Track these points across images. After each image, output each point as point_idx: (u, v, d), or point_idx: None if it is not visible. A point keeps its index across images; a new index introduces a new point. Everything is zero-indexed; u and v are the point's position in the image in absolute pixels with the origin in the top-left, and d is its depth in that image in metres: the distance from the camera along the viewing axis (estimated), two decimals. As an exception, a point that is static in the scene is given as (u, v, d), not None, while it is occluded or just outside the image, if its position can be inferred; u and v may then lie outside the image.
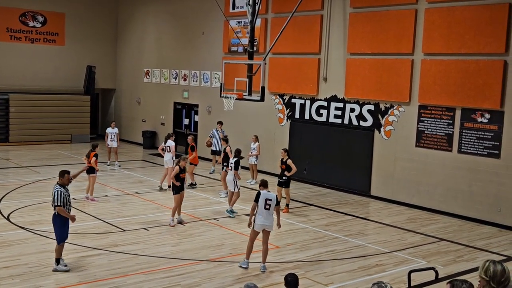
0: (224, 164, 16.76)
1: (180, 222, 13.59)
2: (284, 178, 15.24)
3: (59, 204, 9.85)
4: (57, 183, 10.10)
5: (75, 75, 27.85)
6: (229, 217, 14.46)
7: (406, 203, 16.68)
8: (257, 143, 18.97)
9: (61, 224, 10.00)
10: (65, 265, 10.07)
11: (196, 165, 17.95)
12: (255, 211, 10.47)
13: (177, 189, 13.54)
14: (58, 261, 10.03)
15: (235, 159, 14.95)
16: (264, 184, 10.84)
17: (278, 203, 10.81)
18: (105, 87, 29.67)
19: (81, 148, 24.78)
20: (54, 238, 10.20)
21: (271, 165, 18.78)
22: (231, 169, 14.86)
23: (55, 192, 9.91)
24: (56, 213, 9.92)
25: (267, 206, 10.44)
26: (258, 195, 10.53)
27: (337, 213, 15.55)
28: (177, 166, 13.55)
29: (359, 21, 17.71)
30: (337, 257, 11.66)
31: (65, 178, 10.12)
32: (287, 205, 15.35)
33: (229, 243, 12.31)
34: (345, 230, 13.79)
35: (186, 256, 11.25)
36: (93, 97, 28.59)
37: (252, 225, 10.60)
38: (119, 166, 21.12)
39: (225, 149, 17.14)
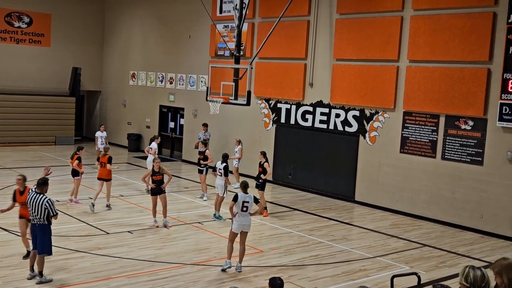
0: (205, 166, 16.86)
1: (165, 225, 13.55)
2: (260, 180, 15.37)
3: (56, 213, 9.61)
4: (42, 193, 9.54)
5: (61, 77, 27.69)
6: (215, 220, 14.46)
7: (390, 208, 16.79)
8: (239, 146, 18.98)
9: (50, 234, 9.71)
10: (51, 280, 9.72)
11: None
12: (234, 211, 10.70)
13: (152, 191, 13.64)
14: (41, 273, 9.67)
15: (224, 164, 14.93)
16: (244, 186, 11.03)
17: (257, 201, 11.02)
18: (91, 89, 29.54)
19: (65, 150, 24.62)
20: (36, 249, 9.65)
21: (257, 169, 18.75)
22: (220, 175, 14.86)
23: (47, 202, 9.44)
24: (47, 223, 9.57)
25: (244, 208, 10.70)
26: (236, 196, 10.74)
27: (321, 218, 15.61)
28: (151, 169, 13.64)
29: (345, 27, 17.83)
30: (321, 261, 11.71)
31: (47, 187, 9.74)
32: (265, 208, 15.40)
33: (213, 246, 12.31)
34: (329, 235, 13.85)
35: (170, 260, 11.23)
36: (78, 99, 28.44)
37: (231, 226, 10.81)
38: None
39: (204, 152, 17.14)
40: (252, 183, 15.99)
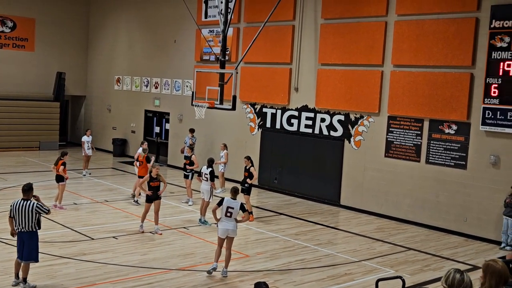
0: (191, 171, 16.87)
1: (156, 232, 13.42)
2: (246, 185, 15.40)
3: (49, 211, 9.53)
4: (29, 199, 9.42)
5: (45, 82, 27.51)
6: (200, 225, 14.44)
7: (375, 212, 16.87)
8: (225, 151, 18.96)
9: (37, 241, 9.59)
10: (34, 286, 9.64)
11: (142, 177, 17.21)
12: (219, 215, 10.75)
13: (148, 198, 13.43)
14: (25, 280, 9.56)
15: (210, 169, 14.90)
16: (233, 192, 10.97)
17: (244, 209, 10.92)
18: (75, 94, 29.36)
19: (49, 155, 24.45)
20: (23, 257, 9.46)
21: (242, 174, 18.76)
22: (206, 180, 14.81)
23: (37, 206, 9.34)
24: (36, 229, 9.46)
25: (228, 214, 10.69)
26: (222, 201, 10.76)
27: (307, 222, 15.64)
28: (148, 174, 13.48)
29: (330, 32, 17.92)
30: (306, 266, 11.73)
31: (32, 193, 9.59)
32: (250, 212, 15.39)
33: (199, 251, 12.28)
34: (314, 239, 13.88)
35: (155, 265, 11.18)
36: (63, 104, 28.25)
37: (217, 231, 10.85)
38: (89, 174, 20.91)
39: (190, 156, 17.13)
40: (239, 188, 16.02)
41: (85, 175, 20.68)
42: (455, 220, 15.14)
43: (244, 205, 11.26)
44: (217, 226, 10.82)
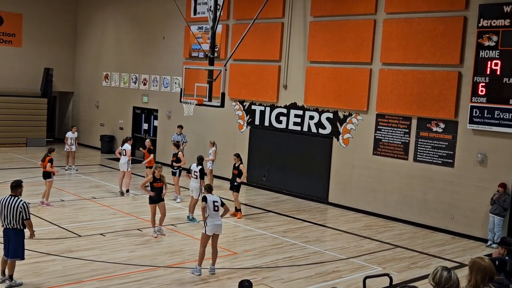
0: (178, 168, 16.87)
1: (160, 232, 13.21)
2: (235, 183, 15.41)
3: (29, 217, 9.44)
4: (17, 196, 9.39)
5: (32, 77, 27.29)
6: (188, 222, 14.41)
7: (363, 210, 16.92)
8: (213, 148, 18.88)
9: (23, 238, 9.52)
10: (21, 283, 9.57)
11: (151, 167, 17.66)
12: (206, 214, 10.73)
13: (151, 199, 13.13)
14: (11, 277, 9.50)
15: (200, 167, 14.82)
16: (208, 189, 11.13)
17: (222, 203, 11.07)
18: (63, 90, 29.16)
19: (36, 151, 24.26)
20: (9, 255, 9.40)
21: (231, 171, 18.74)
22: (196, 177, 14.73)
23: (23, 204, 9.29)
24: (21, 227, 9.40)
25: (216, 208, 10.80)
26: (205, 198, 10.84)
27: (295, 220, 15.65)
28: (151, 175, 13.24)
29: (319, 30, 17.92)
30: (294, 263, 11.74)
31: (21, 189, 9.57)
32: (239, 210, 15.39)
33: (187, 249, 12.25)
34: (303, 236, 13.90)
35: (143, 262, 11.15)
36: (50, 100, 28.03)
37: (204, 229, 10.72)
38: (76, 170, 20.81)
39: (177, 154, 17.08)
40: (227, 185, 16.05)
41: (67, 169, 20.59)
42: (443, 217, 15.22)
43: (222, 200, 11.27)
44: (205, 224, 10.73)
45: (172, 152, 17.72)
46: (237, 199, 15.39)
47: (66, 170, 20.64)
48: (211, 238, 10.75)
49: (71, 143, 20.78)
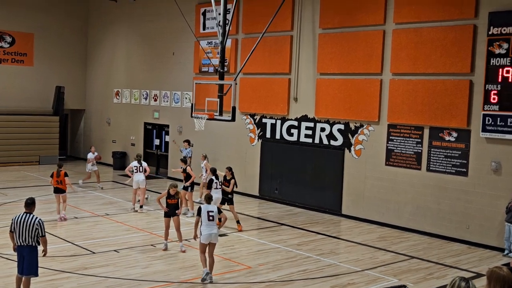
0: (189, 183, 16.85)
1: (180, 249, 13.15)
2: (229, 195, 15.59)
3: (45, 234, 9.45)
4: (32, 213, 9.38)
5: (44, 96, 27.53)
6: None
7: (376, 221, 16.81)
8: (204, 161, 18.75)
9: (37, 255, 9.49)
10: None
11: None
12: (200, 224, 10.98)
13: (166, 213, 13.25)
14: None
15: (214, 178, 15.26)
16: (207, 199, 11.32)
17: (220, 211, 11.40)
18: (75, 108, 29.37)
19: (49, 169, 24.14)
20: (23, 272, 9.35)
21: (241, 185, 18.72)
22: (218, 188, 15.25)
23: (38, 221, 9.28)
24: (36, 244, 9.39)
25: (210, 217, 10.96)
26: (200, 209, 11.06)
27: (308, 232, 15.57)
28: (166, 191, 13.24)
29: (328, 41, 17.94)
30: (309, 276, 11.66)
31: (34, 207, 9.56)
32: (238, 221, 15.36)
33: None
34: (316, 249, 13.81)
35: (157, 278, 11.12)
36: (62, 118, 28.25)
37: (199, 238, 11.02)
38: (101, 188, 21.09)
39: (185, 169, 17.02)
40: (238, 199, 16.00)
41: (102, 188, 21.09)
42: (457, 227, 15.08)
43: (220, 209, 11.60)
44: (200, 233, 10.92)
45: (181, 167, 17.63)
46: (233, 211, 15.44)
47: (102, 188, 21.01)
48: (207, 247, 10.95)
49: (93, 163, 21.15)
